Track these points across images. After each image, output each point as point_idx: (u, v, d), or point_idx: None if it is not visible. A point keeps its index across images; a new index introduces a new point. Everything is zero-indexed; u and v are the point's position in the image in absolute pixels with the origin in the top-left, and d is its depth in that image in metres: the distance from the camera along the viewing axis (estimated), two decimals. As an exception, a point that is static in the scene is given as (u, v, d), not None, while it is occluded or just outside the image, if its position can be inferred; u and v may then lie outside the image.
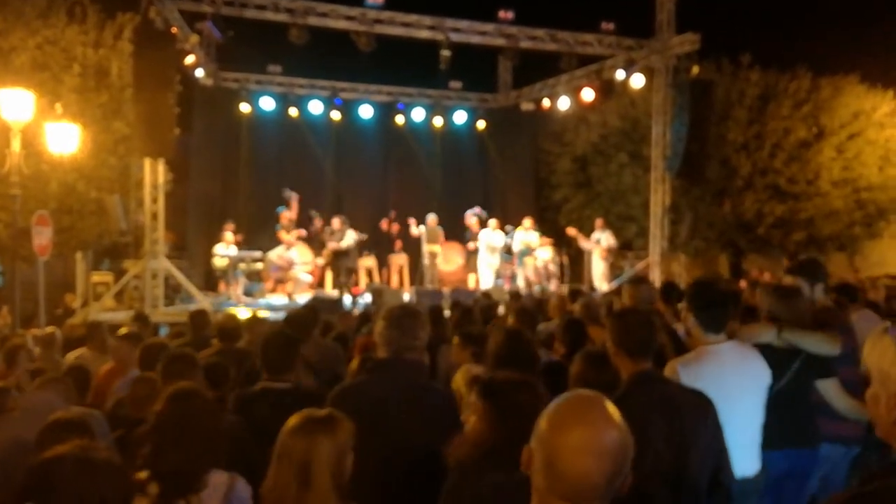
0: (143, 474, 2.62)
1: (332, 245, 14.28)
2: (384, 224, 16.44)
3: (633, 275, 16.25)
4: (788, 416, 3.49)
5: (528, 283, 15.54)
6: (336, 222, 14.32)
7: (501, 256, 16.07)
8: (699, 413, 2.90)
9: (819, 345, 3.71)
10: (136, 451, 2.72)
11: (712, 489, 2.88)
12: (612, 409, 1.58)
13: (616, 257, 16.84)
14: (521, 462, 1.62)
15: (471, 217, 16.19)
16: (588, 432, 1.52)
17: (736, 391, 3.24)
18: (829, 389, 3.79)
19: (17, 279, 10.98)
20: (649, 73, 15.70)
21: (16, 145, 9.91)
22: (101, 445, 2.17)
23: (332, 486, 2.33)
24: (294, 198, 14.90)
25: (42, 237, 10.56)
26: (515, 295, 11.09)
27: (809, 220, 17.96)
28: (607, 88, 17.29)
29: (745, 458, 3.25)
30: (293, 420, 2.42)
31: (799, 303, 3.93)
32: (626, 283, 6.32)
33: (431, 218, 16.13)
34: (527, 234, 15.73)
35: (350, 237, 14.11)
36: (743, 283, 12.99)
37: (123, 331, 5.72)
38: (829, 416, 3.81)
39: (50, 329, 7.31)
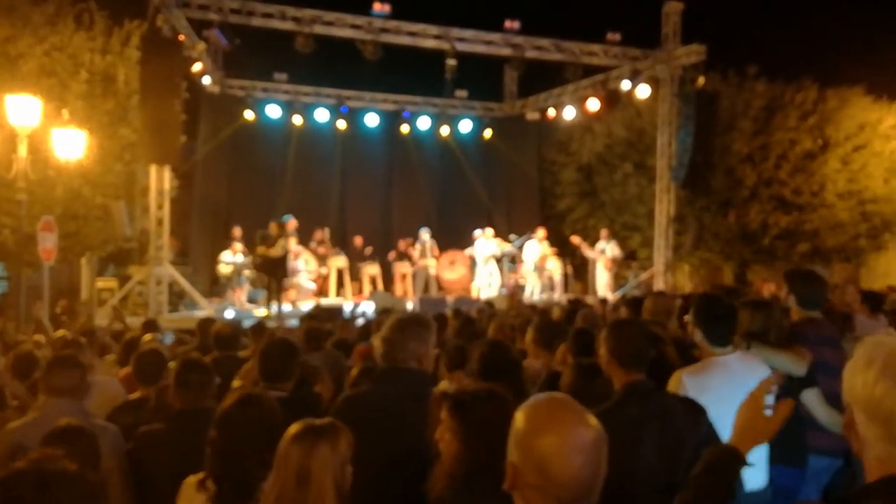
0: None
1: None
2: (391, 256, 16.51)
3: (639, 284, 16.24)
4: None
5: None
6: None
7: (505, 266, 16.09)
8: (691, 421, 2.90)
9: (785, 364, 3.69)
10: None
11: None
12: (578, 405, 1.65)
13: (620, 267, 16.82)
14: (504, 479, 1.61)
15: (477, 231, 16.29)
16: (568, 432, 1.57)
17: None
18: (812, 400, 3.77)
19: (22, 284, 11.01)
20: (655, 83, 15.73)
21: (22, 151, 9.94)
22: (59, 454, 2.13)
23: (334, 495, 2.33)
24: (292, 223, 14.69)
25: (47, 242, 10.59)
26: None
27: (814, 232, 17.91)
28: (612, 98, 17.33)
29: (752, 471, 3.23)
30: (293, 428, 2.42)
31: (772, 315, 3.92)
32: (647, 294, 6.34)
33: (425, 233, 16.18)
34: (539, 245, 15.76)
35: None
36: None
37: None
38: (814, 427, 3.79)
39: (60, 332, 7.32)
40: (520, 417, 1.62)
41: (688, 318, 3.51)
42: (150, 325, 7.76)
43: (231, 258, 14.22)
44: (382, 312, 11.90)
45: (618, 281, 16.45)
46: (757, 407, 2.07)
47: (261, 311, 13.24)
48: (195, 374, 3.48)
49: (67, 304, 11.82)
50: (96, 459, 2.86)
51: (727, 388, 3.18)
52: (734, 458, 2.02)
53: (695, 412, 2.93)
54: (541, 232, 16.06)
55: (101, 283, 15.17)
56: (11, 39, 12.55)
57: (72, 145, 11.34)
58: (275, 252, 12.93)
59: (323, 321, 7.80)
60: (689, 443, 2.83)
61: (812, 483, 3.93)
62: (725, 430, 3.11)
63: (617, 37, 15.72)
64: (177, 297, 14.14)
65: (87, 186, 13.43)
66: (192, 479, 2.68)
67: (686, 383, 3.18)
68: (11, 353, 5.69)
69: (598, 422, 1.62)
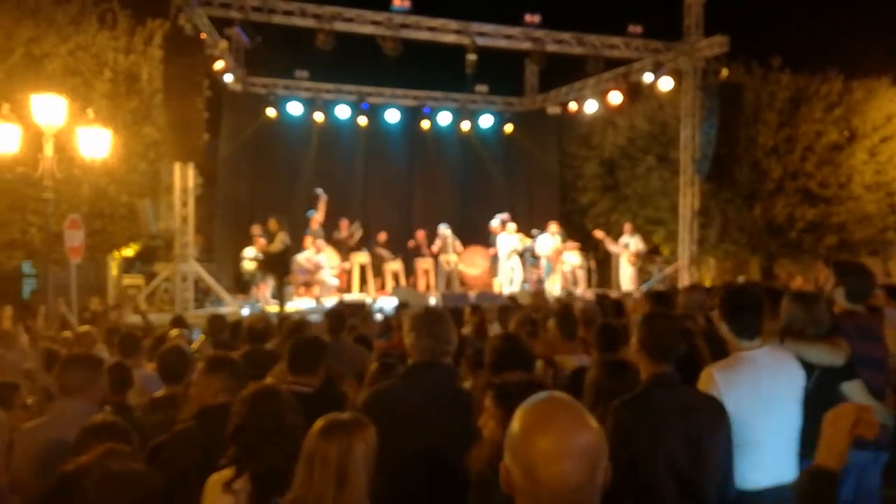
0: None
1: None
2: (410, 244, 16.49)
3: (664, 279, 16.12)
4: (812, 424, 3.41)
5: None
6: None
7: (528, 261, 16.02)
8: (714, 419, 2.92)
9: (820, 355, 3.64)
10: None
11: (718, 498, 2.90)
12: (578, 407, 1.53)
13: (644, 261, 16.70)
14: (500, 482, 1.55)
15: (494, 221, 16.16)
16: (560, 436, 1.46)
17: (773, 397, 3.18)
18: (853, 391, 3.72)
19: (50, 282, 11.14)
20: (677, 75, 15.57)
21: (48, 150, 10.06)
22: (124, 452, 2.12)
23: (365, 490, 2.34)
24: (323, 198, 14.94)
25: (74, 240, 10.71)
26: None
27: (841, 225, 17.68)
28: (635, 91, 17.20)
29: (783, 464, 3.19)
30: (321, 423, 2.41)
31: (817, 308, 3.87)
32: (672, 289, 6.31)
33: (446, 229, 16.11)
34: (552, 239, 15.68)
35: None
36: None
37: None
38: None
39: (85, 328, 7.38)
40: (515, 417, 1.53)
41: (714, 312, 3.48)
42: (178, 322, 7.83)
43: (254, 254, 14.29)
44: (402, 307, 11.89)
45: (642, 275, 16.33)
46: (846, 423, 1.95)
47: (258, 307, 13.23)
48: (223, 370, 3.45)
49: (97, 301, 11.96)
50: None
51: (757, 384, 3.15)
52: (828, 478, 1.93)
53: (717, 410, 2.95)
54: (553, 226, 15.96)
55: (127, 280, 15.34)
56: (36, 40, 12.71)
57: (97, 144, 11.46)
58: (274, 247, 12.79)
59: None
60: (711, 439, 2.85)
61: (852, 477, 3.86)
62: (755, 427, 3.10)
63: (638, 29, 15.57)
64: (202, 294, 14.24)
65: (112, 185, 13.60)
66: (216, 478, 2.67)
67: (717, 380, 3.14)
68: (39, 345, 5.81)
69: (598, 426, 1.51)
